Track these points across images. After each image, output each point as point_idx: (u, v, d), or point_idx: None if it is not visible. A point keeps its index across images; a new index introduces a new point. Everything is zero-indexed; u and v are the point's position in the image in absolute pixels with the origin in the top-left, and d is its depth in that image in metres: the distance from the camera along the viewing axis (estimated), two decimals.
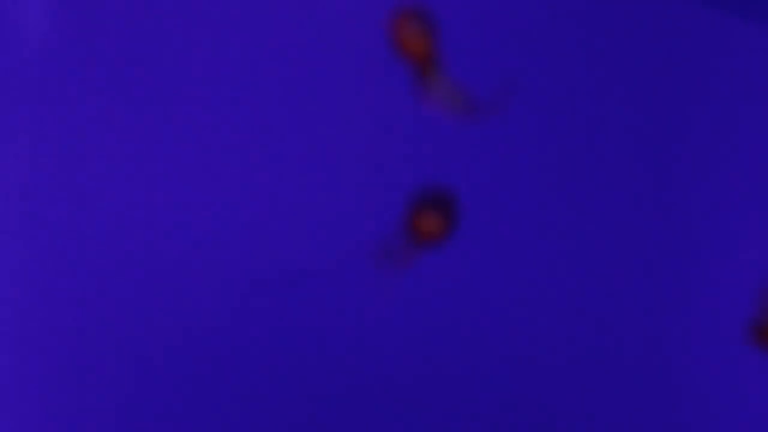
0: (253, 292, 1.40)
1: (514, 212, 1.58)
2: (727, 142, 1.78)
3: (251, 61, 1.42)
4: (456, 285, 1.52)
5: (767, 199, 1.70)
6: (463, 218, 1.33)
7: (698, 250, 1.74)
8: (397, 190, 1.33)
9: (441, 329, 1.52)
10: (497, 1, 1.55)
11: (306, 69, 1.44)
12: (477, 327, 1.56)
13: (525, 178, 1.61)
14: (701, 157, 1.76)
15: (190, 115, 1.41)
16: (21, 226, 1.33)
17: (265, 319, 1.42)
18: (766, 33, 1.75)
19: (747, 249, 1.65)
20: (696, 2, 1.70)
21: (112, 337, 1.36)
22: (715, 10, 1.73)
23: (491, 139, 1.56)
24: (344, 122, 1.46)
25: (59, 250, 1.35)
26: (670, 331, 1.73)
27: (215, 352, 1.41)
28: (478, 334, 1.55)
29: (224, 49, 1.41)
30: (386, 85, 1.29)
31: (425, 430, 1.51)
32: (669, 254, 1.72)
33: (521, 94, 1.58)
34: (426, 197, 1.28)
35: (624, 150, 1.73)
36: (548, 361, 1.62)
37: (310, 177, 1.45)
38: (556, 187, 1.63)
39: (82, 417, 1.35)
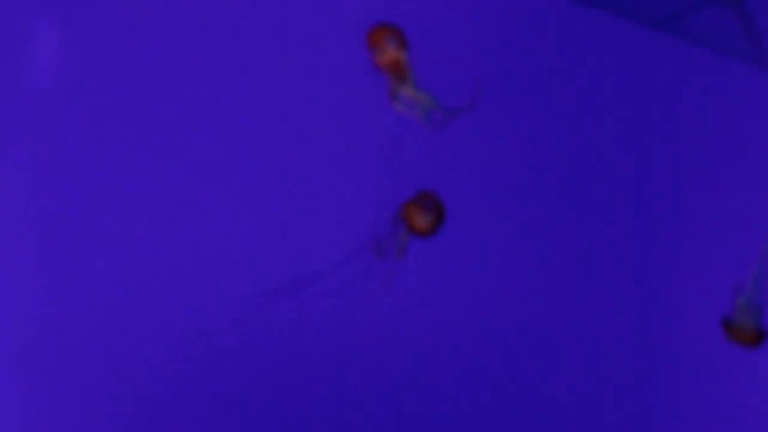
0: (259, 296, 1.44)
1: (500, 212, 1.62)
2: (708, 154, 1.83)
3: (249, 88, 1.47)
4: (444, 279, 1.56)
5: (743, 213, 1.74)
6: (450, 216, 1.38)
7: (679, 254, 1.78)
8: (388, 193, 1.37)
9: (432, 320, 1.56)
10: (465, 19, 1.60)
11: (295, 86, 1.49)
12: (465, 317, 1.59)
13: (510, 180, 1.65)
14: (685, 165, 1.80)
15: (190, 130, 1.45)
16: (31, 243, 1.37)
17: (275, 317, 1.46)
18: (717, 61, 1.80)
19: (723, 257, 1.69)
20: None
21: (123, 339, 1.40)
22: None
23: (477, 144, 1.61)
24: (336, 131, 1.51)
25: (68, 253, 1.38)
26: (651, 325, 1.77)
27: (216, 358, 1.45)
28: (465, 323, 1.59)
29: (220, 69, 1.46)
30: (373, 95, 1.33)
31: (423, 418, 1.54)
32: (653, 261, 1.76)
33: (505, 103, 1.62)
34: (417, 198, 1.33)
35: (606, 156, 1.77)
36: (532, 351, 1.65)
37: (306, 184, 1.49)
38: (541, 188, 1.68)
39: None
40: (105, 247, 1.39)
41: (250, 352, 1.45)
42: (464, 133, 1.54)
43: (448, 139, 1.50)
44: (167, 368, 1.40)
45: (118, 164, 1.41)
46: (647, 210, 1.78)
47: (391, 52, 1.27)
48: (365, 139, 1.51)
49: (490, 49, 1.63)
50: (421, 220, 1.31)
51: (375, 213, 1.37)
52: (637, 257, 1.77)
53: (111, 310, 1.39)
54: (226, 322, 1.43)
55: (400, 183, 1.37)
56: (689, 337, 1.78)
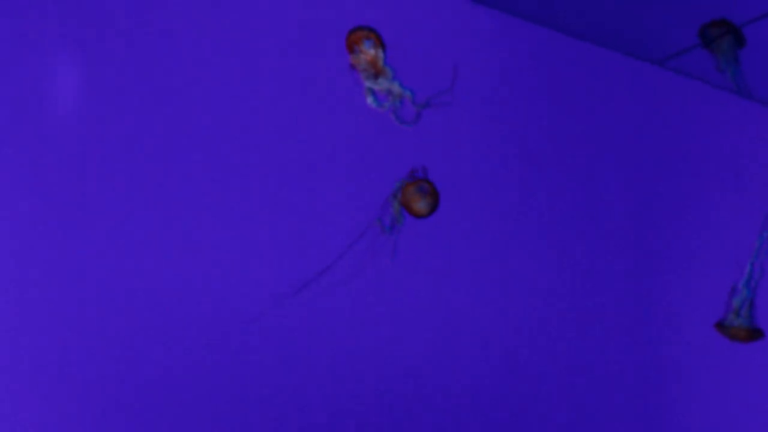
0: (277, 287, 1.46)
1: (498, 202, 1.67)
2: (700, 168, 1.89)
3: (245, 95, 1.50)
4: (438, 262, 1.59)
5: (736, 228, 1.79)
6: (444, 202, 1.43)
7: (682, 257, 1.82)
8: (386, 181, 1.43)
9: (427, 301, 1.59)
10: (436, 19, 1.67)
11: (286, 89, 1.51)
12: (461, 313, 1.62)
13: (505, 173, 1.70)
14: (683, 178, 1.86)
15: (190, 140, 1.46)
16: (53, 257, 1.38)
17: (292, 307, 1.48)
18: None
19: (720, 264, 1.73)
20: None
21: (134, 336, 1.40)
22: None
23: (470, 137, 1.66)
24: (334, 129, 1.55)
25: (79, 261, 1.39)
26: (653, 323, 1.79)
27: (222, 357, 1.46)
28: (462, 319, 1.62)
29: (213, 77, 1.47)
30: (355, 92, 1.37)
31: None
32: (657, 264, 1.80)
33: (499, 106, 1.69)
34: (414, 185, 1.40)
35: (609, 165, 1.83)
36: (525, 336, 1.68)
37: (311, 178, 1.52)
38: (534, 187, 1.72)
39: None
40: (112, 251, 1.41)
41: (262, 349, 1.48)
42: (456, 133, 1.62)
43: (439, 133, 1.58)
44: (172, 367, 1.42)
45: (125, 168, 1.44)
46: (648, 216, 1.84)
47: (368, 52, 1.34)
48: (350, 132, 1.55)
49: (485, 82, 1.70)
50: (419, 204, 1.39)
51: (363, 205, 1.44)
52: (636, 261, 1.81)
53: (121, 311, 1.40)
54: (233, 320, 1.45)
55: (386, 174, 1.44)
56: (687, 335, 1.81)
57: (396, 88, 1.34)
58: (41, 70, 1.40)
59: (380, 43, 1.36)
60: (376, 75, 1.35)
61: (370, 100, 1.36)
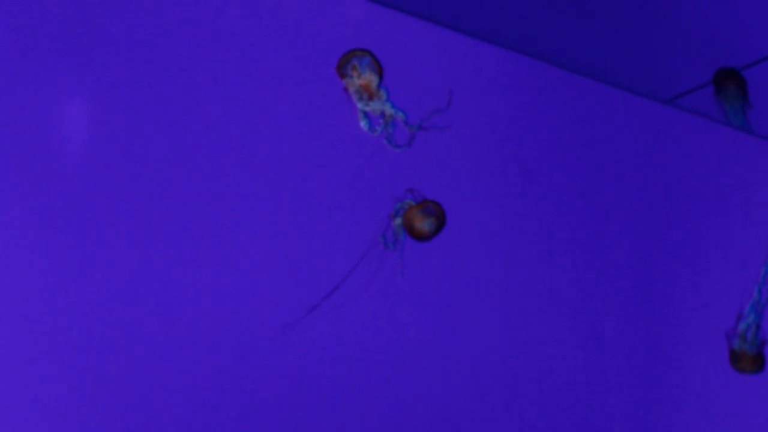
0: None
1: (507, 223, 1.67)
2: (703, 198, 1.89)
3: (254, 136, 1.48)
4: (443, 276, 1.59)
5: (744, 255, 1.79)
6: (449, 222, 1.45)
7: (690, 289, 1.82)
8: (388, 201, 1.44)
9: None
10: (431, 42, 1.68)
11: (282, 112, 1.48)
12: (467, 321, 1.61)
13: (512, 190, 1.70)
14: (690, 207, 1.86)
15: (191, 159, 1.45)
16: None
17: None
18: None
19: (727, 293, 1.73)
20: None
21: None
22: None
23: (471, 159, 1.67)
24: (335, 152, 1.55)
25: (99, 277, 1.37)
26: (660, 343, 1.77)
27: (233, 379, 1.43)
28: (467, 327, 1.61)
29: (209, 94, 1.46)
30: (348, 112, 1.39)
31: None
32: (658, 283, 1.79)
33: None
34: (419, 207, 1.41)
35: (615, 193, 1.83)
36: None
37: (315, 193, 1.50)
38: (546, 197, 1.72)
39: None
40: (113, 259, 1.40)
41: (268, 370, 1.46)
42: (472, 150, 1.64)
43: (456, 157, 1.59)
44: (173, 389, 1.40)
45: (123, 179, 1.42)
46: (655, 247, 1.84)
47: (362, 75, 1.35)
48: (343, 154, 1.55)
49: (489, 117, 1.71)
50: (422, 225, 1.40)
51: (365, 221, 1.44)
52: (644, 293, 1.80)
53: (123, 333, 1.39)
54: (236, 347, 1.44)
55: (384, 195, 1.45)
56: (698, 358, 1.79)
57: (388, 109, 1.35)
58: (41, 74, 1.40)
59: (377, 65, 1.37)
60: (370, 97, 1.36)
61: (363, 123, 1.37)
